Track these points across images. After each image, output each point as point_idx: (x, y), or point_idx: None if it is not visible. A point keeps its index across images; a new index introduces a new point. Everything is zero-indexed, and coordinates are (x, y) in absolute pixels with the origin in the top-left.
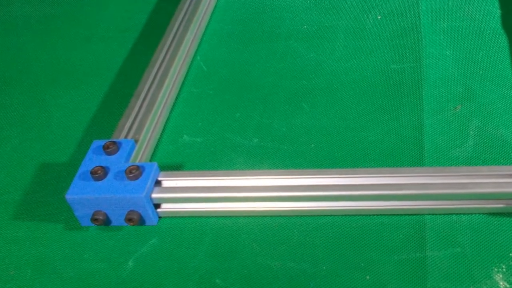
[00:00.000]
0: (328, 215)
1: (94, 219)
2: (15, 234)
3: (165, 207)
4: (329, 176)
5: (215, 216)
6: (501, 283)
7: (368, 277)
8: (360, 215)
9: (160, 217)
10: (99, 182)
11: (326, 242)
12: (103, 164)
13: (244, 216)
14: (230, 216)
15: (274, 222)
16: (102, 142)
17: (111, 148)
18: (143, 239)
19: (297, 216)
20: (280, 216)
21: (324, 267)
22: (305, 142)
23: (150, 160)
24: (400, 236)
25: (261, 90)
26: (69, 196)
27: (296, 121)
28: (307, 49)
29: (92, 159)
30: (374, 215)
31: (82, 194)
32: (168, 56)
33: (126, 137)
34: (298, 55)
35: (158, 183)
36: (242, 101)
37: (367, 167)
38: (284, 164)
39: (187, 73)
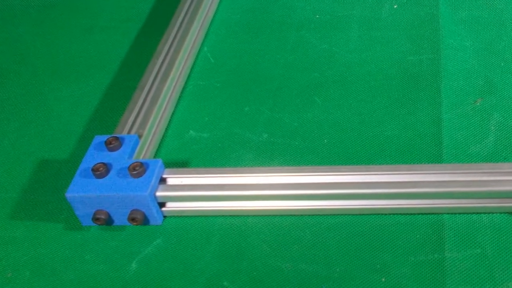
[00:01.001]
0: (342, 214)
1: (95, 219)
2: (13, 234)
3: (170, 206)
4: (342, 173)
5: (223, 216)
6: None
7: (383, 279)
8: (375, 214)
9: (165, 217)
10: (101, 180)
11: (339, 242)
12: (105, 161)
13: (253, 216)
14: (238, 216)
15: (284, 221)
16: (104, 137)
17: (113, 144)
18: (147, 240)
19: (309, 215)
20: (291, 215)
21: (338, 269)
22: (317, 137)
23: (155, 157)
24: (417, 236)
25: (271, 83)
26: (70, 194)
27: (308, 115)
28: (319, 40)
29: (94, 156)
30: (389, 214)
31: (83, 192)
32: (173, 47)
33: (129, 132)
34: (310, 46)
35: (163, 180)
36: (251, 94)
37: (383, 164)
38: (295, 161)
39: (193, 65)
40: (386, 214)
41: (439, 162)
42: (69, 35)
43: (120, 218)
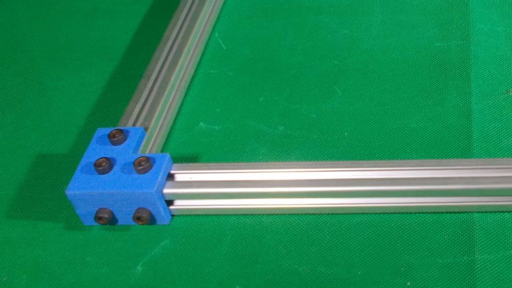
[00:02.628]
0: (363, 213)
1: (98, 218)
2: (9, 234)
3: (179, 204)
4: (364, 169)
5: (235, 214)
6: None
7: (409, 283)
8: (399, 213)
9: (172, 216)
10: (104, 176)
11: (361, 244)
12: (108, 155)
13: (268, 214)
14: (252, 214)
15: (302, 221)
16: (107, 130)
17: (117, 137)
18: (154, 241)
19: (328, 214)
20: (309, 214)
21: (359, 272)
22: (337, 130)
23: (162, 151)
24: (445, 236)
25: (288, 71)
26: (70, 191)
27: (327, 106)
28: (339, 25)
29: (96, 150)
30: (415, 213)
31: (84, 189)
32: (182, 33)
33: (134, 124)
34: (329, 32)
35: (170, 176)
36: (266, 83)
37: (408, 159)
38: (313, 156)
39: (203, 52)
40: (411, 213)
41: (468, 157)
42: (69, 19)
43: (124, 217)
